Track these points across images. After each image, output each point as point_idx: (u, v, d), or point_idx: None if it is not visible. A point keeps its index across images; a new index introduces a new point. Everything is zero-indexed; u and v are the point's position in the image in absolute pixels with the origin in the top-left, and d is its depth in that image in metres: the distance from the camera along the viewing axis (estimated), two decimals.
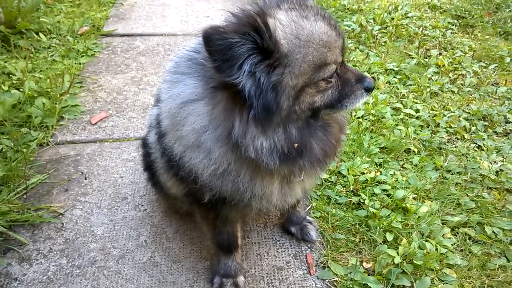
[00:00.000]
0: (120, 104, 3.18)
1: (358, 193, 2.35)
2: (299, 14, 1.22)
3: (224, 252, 1.87)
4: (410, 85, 3.46)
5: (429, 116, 3.07)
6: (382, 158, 2.63)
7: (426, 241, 2.06)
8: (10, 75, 3.27)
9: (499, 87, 3.46)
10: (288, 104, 1.20)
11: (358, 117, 2.96)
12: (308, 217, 2.15)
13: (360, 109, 2.99)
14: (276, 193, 1.46)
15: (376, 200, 2.29)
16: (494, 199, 2.38)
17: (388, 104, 3.15)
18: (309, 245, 2.12)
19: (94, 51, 3.86)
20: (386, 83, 3.46)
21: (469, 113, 3.15)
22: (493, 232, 2.18)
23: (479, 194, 2.39)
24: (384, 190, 2.39)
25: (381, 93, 3.25)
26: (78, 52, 3.78)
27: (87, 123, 2.96)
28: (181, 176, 1.46)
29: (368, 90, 1.34)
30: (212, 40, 1.05)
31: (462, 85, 3.48)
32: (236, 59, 1.09)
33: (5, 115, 2.74)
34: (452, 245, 2.08)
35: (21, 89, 3.08)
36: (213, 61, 1.10)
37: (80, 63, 3.63)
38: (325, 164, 1.43)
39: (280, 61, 1.15)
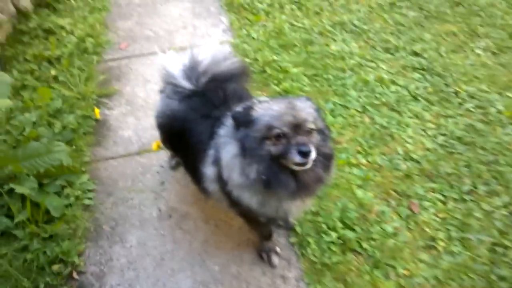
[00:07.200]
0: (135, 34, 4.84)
1: None
2: (278, 101, 2.05)
3: (265, 239, 2.75)
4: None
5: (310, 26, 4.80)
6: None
7: None
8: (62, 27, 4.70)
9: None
10: (253, 146, 1.98)
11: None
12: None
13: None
14: (295, 209, 2.27)
15: None
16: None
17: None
18: None
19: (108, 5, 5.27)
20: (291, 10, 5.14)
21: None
22: None
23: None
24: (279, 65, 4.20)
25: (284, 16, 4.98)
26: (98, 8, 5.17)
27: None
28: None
29: (300, 152, 1.91)
30: (232, 116, 2.10)
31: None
32: (238, 124, 2.08)
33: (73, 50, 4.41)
34: None
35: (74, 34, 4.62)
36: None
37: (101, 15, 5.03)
38: (304, 196, 2.16)
39: (251, 124, 2.00)
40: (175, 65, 2.53)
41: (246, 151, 2.01)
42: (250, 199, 2.14)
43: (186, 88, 2.46)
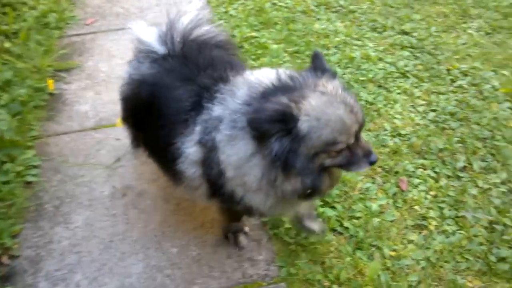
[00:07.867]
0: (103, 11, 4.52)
1: None
2: (327, 100, 1.59)
3: (235, 220, 2.38)
4: None
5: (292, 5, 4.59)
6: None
7: None
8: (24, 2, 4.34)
9: None
10: (303, 164, 1.61)
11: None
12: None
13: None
14: (303, 208, 2.09)
15: None
16: None
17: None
18: None
19: None
20: None
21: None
22: None
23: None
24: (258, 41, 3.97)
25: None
26: None
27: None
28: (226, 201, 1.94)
29: (371, 163, 1.72)
30: (253, 124, 1.57)
31: None
32: (268, 135, 1.58)
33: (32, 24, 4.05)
34: None
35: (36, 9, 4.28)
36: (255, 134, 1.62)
37: None
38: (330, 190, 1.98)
39: (298, 138, 1.57)
40: (149, 33, 2.17)
41: (288, 168, 1.62)
42: (262, 203, 1.84)
43: (160, 53, 2.10)
